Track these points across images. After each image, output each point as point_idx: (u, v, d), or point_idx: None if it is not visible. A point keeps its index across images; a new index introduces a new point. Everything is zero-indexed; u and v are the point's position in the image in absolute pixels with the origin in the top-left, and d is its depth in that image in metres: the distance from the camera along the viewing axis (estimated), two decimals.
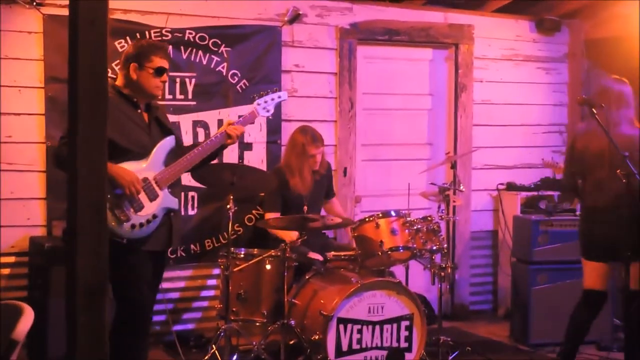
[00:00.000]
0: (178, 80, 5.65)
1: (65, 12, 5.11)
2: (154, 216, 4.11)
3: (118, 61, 5.37)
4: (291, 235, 5.18)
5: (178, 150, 4.31)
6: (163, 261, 4.43)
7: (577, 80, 7.06)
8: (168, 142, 4.24)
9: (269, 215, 5.46)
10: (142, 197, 4.06)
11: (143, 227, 4.07)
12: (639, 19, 6.35)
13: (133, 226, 4.03)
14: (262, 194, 5.69)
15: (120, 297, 4.11)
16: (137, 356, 4.24)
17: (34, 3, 5.21)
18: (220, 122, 5.75)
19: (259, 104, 4.61)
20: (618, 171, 4.56)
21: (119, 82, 4.20)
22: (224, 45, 5.77)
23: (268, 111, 4.64)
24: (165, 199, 4.17)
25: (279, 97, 4.70)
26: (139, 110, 4.20)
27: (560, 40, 7.08)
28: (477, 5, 6.86)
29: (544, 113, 7.08)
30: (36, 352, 4.89)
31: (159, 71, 4.18)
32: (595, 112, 4.74)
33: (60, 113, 5.23)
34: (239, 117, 4.65)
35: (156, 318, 5.53)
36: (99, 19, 2.25)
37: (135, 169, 4.04)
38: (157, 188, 4.12)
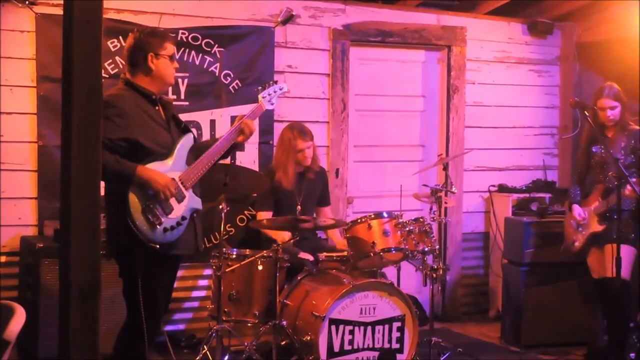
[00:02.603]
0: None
1: (58, 11, 5.13)
2: (183, 218, 3.97)
3: (111, 60, 5.42)
4: (283, 236, 5.18)
5: (195, 148, 4.16)
6: (178, 266, 4.27)
7: (569, 83, 7.08)
8: (188, 140, 4.10)
9: (261, 215, 5.46)
10: (172, 199, 3.92)
11: (174, 230, 3.92)
12: (631, 23, 6.38)
13: (165, 230, 3.87)
14: (255, 194, 5.68)
15: (136, 305, 3.89)
16: None
17: (27, 2, 5.20)
18: (212, 123, 5.74)
19: (264, 97, 4.48)
20: (610, 174, 4.59)
21: (134, 77, 4.00)
22: (217, 45, 5.76)
23: (272, 104, 4.54)
24: (191, 199, 4.03)
25: (280, 88, 4.59)
26: (157, 107, 4.04)
27: (553, 43, 7.10)
28: (470, 7, 6.88)
29: (536, 115, 7.10)
30: (27, 352, 4.87)
31: (173, 57, 4.06)
32: (587, 114, 4.77)
33: (52, 112, 5.21)
34: (232, 118, 4.60)
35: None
36: (94, 18, 2.25)
37: (163, 171, 3.90)
38: (183, 189, 3.98)
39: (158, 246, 3.85)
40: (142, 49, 3.96)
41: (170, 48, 4.04)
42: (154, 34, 4.06)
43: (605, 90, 5.20)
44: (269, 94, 4.51)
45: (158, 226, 3.84)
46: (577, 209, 5.32)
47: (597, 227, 5.26)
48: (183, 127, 4.15)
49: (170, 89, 5.60)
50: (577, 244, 5.39)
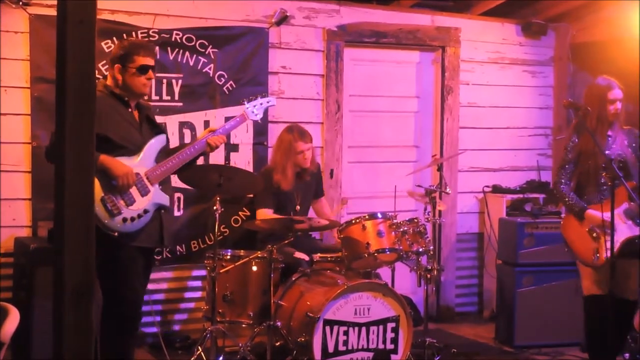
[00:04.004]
0: (165, 81, 5.64)
1: (51, 12, 5.12)
2: (145, 211, 4.20)
3: (105, 62, 5.41)
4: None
5: (168, 149, 4.42)
6: (152, 260, 4.48)
7: (562, 83, 7.10)
8: (159, 140, 4.35)
9: (262, 212, 5.44)
10: (134, 191, 4.15)
11: (134, 221, 4.14)
12: (625, 24, 6.40)
13: (124, 219, 4.11)
14: (250, 195, 5.68)
15: (109, 293, 4.15)
16: (124, 353, 4.25)
17: (20, 3, 5.19)
18: (207, 124, 5.73)
19: (248, 108, 4.73)
20: (604, 174, 4.58)
21: (109, 82, 4.28)
22: (211, 46, 5.76)
23: (257, 115, 4.78)
24: (156, 194, 4.26)
25: (268, 102, 4.85)
26: (130, 109, 4.29)
27: (546, 44, 7.12)
28: (464, 8, 6.89)
29: (530, 116, 7.11)
30: (21, 353, 4.86)
31: (143, 69, 4.26)
32: (580, 115, 4.76)
33: (46, 113, 5.20)
34: (226, 119, 4.71)
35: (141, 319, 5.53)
36: (87, 18, 2.25)
37: (128, 165, 4.13)
38: (148, 183, 4.22)
39: (116, 233, 4.08)
40: (113, 59, 4.26)
41: (140, 60, 4.25)
42: (125, 46, 4.30)
43: (613, 82, 4.92)
44: (255, 106, 4.76)
45: (117, 215, 4.07)
46: (597, 212, 4.67)
47: (632, 230, 4.70)
48: (157, 129, 4.42)
49: (164, 89, 5.63)
50: (602, 254, 4.65)
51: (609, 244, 4.55)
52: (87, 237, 2.30)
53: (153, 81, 5.47)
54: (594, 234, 4.72)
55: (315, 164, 5.67)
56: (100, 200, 4.03)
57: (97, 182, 3.97)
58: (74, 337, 2.26)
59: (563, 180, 4.91)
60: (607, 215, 4.52)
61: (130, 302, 4.21)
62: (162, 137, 4.38)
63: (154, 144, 4.31)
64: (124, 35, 5.40)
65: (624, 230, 4.69)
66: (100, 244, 2.35)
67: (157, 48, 5.53)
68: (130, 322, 4.27)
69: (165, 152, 4.37)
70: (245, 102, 4.75)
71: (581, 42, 6.95)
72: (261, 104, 4.78)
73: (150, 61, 4.30)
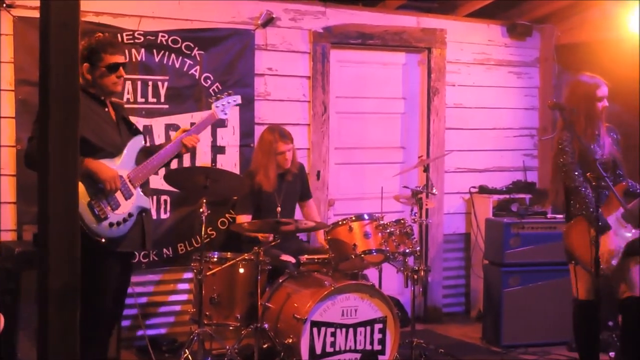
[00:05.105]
0: (150, 83, 5.62)
1: (36, 14, 5.08)
2: (130, 215, 4.16)
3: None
4: (266, 234, 5.18)
5: (145, 150, 4.38)
6: (131, 264, 4.43)
7: (548, 84, 7.13)
8: (138, 141, 4.30)
9: (241, 218, 5.45)
10: (119, 195, 4.11)
11: (120, 225, 4.10)
12: (609, 25, 6.44)
13: (111, 224, 4.06)
14: (235, 197, 5.68)
15: (85, 302, 4.04)
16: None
17: (4, 5, 5.16)
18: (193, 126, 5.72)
19: (217, 107, 4.75)
20: (588, 174, 4.58)
21: (81, 81, 4.16)
22: (196, 48, 5.75)
23: (225, 114, 4.79)
24: (139, 197, 4.23)
25: (234, 100, 4.88)
26: (107, 109, 4.23)
27: (532, 45, 7.14)
28: (450, 9, 6.90)
29: (516, 117, 7.14)
30: (6, 357, 4.83)
31: (113, 67, 4.18)
32: (565, 116, 4.77)
33: (31, 116, 5.15)
34: (191, 124, 4.73)
35: (128, 322, 5.51)
36: (70, 20, 2.24)
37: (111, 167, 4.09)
38: (131, 186, 4.18)
39: (103, 240, 4.02)
40: (81, 58, 4.06)
41: (108, 58, 4.17)
42: (92, 45, 4.19)
43: (599, 79, 4.87)
44: (223, 104, 4.77)
45: (104, 220, 4.02)
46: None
47: (632, 234, 4.78)
48: (134, 129, 4.35)
49: (150, 91, 5.60)
50: (615, 260, 4.70)
51: (614, 252, 4.67)
52: (71, 239, 2.29)
53: (139, 83, 5.54)
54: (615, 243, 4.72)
55: (296, 164, 5.66)
56: (87, 205, 3.98)
57: (82, 187, 3.92)
58: (59, 340, 2.25)
59: (583, 187, 4.69)
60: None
61: (102, 315, 4.11)
62: (140, 137, 4.33)
63: (134, 145, 4.25)
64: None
65: (624, 235, 4.75)
66: (83, 251, 2.31)
67: (142, 50, 5.55)
68: (101, 335, 4.16)
69: (143, 153, 4.32)
70: (214, 101, 4.77)
71: (566, 43, 6.98)
72: (228, 102, 4.80)
73: (119, 58, 4.22)
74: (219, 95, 4.84)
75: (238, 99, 4.93)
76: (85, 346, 3.98)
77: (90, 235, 3.97)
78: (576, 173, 4.73)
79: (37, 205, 2.35)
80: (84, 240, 3.87)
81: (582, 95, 4.86)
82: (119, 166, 4.16)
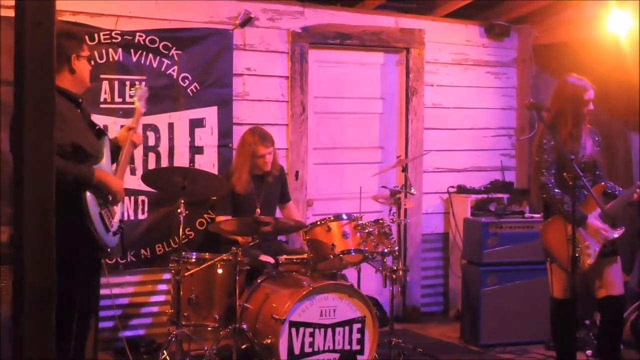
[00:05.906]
0: (128, 83, 5.59)
1: (12, 13, 5.04)
2: (121, 221, 4.15)
3: None
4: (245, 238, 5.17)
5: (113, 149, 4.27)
6: (100, 267, 4.36)
7: (525, 84, 7.17)
8: (107, 141, 4.19)
9: (220, 219, 5.44)
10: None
11: (116, 234, 4.07)
12: (586, 25, 6.48)
13: (114, 234, 4.04)
14: (214, 198, 5.66)
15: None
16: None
17: None
18: (171, 126, 5.71)
19: (140, 102, 4.56)
20: (565, 174, 4.60)
21: (58, 81, 3.95)
22: (174, 48, 5.72)
23: (145, 107, 4.61)
24: (121, 204, 4.20)
25: (143, 91, 4.64)
26: (79, 110, 4.11)
27: (509, 46, 7.19)
28: (428, 10, 6.92)
29: (493, 117, 7.17)
30: None
31: (90, 59, 4.22)
32: (543, 116, 4.80)
33: (8, 117, 5.11)
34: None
35: (105, 324, 5.47)
36: (46, 20, 2.22)
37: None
38: None
39: (109, 249, 3.99)
40: (64, 51, 3.98)
41: (86, 50, 4.14)
42: (73, 35, 4.15)
43: (587, 83, 4.88)
44: (139, 99, 4.57)
45: (110, 230, 3.98)
46: (596, 221, 4.79)
47: (611, 233, 4.82)
48: (97, 129, 4.22)
49: (127, 91, 5.56)
50: (586, 260, 4.73)
51: (590, 250, 4.72)
52: (47, 240, 2.27)
53: (116, 83, 5.51)
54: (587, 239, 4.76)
55: (277, 166, 5.66)
56: (99, 215, 3.91)
57: (92, 197, 3.85)
58: (34, 341, 2.23)
59: (551, 184, 4.76)
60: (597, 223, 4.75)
61: (69, 315, 4.02)
62: (107, 138, 4.21)
63: (107, 147, 4.14)
64: (86, 37, 5.33)
65: (603, 234, 4.79)
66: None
67: (119, 50, 5.51)
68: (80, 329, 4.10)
69: (113, 154, 4.22)
70: (135, 98, 4.57)
71: (543, 44, 7.02)
72: (142, 95, 4.61)
73: (89, 52, 4.24)
74: (133, 89, 4.66)
75: (145, 89, 4.67)
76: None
77: (100, 246, 3.92)
78: (550, 172, 4.76)
79: (13, 206, 2.33)
80: (89, 252, 3.90)
81: (570, 97, 4.87)
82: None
